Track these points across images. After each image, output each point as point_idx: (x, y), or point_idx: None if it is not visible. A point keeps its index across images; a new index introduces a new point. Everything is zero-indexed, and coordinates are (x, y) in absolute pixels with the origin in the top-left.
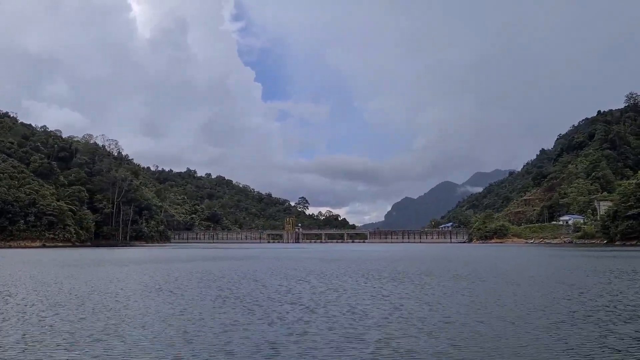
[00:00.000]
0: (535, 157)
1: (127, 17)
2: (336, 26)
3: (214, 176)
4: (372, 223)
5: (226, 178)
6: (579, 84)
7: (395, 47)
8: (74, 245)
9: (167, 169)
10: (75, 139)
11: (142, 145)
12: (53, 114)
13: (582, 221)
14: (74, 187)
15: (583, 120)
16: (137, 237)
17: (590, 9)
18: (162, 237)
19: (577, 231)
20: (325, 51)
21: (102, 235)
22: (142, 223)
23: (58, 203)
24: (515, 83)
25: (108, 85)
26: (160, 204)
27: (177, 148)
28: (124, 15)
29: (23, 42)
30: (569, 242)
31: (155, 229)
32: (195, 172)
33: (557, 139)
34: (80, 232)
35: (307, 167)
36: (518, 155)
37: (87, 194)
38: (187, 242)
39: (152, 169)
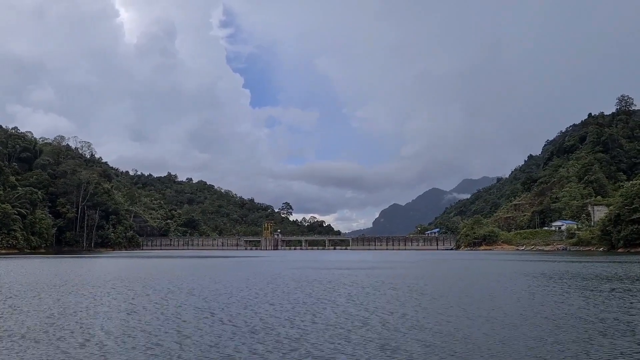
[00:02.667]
0: (523, 162)
1: (114, 22)
2: (325, 33)
3: (195, 181)
4: (361, 229)
5: (208, 183)
6: (565, 92)
7: (383, 55)
8: (20, 253)
9: (146, 174)
10: (47, 141)
11: (129, 151)
12: (39, 119)
13: (576, 227)
14: (25, 188)
15: (571, 126)
16: (103, 244)
17: (577, 17)
18: (130, 244)
19: (571, 237)
20: (314, 58)
21: (65, 241)
22: (108, 228)
23: (2, 206)
24: (502, 91)
25: (95, 91)
26: (129, 208)
27: (165, 154)
28: (111, 21)
29: (9, 47)
30: (562, 249)
31: (124, 234)
32: (175, 176)
33: (545, 145)
34: (32, 238)
35: (296, 174)
36: (505, 162)
37: (40, 196)
38: (160, 249)
39: (132, 173)
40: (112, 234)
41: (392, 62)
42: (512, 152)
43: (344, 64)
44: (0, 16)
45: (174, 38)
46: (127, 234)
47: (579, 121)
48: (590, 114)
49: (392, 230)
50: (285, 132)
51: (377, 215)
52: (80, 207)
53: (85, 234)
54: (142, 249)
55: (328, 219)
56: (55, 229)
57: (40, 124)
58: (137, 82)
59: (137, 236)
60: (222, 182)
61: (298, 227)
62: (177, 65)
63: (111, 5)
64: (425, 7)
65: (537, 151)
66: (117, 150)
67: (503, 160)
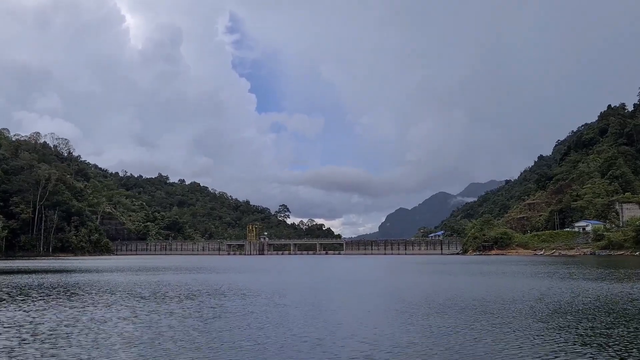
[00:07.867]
0: (533, 163)
1: (120, 28)
2: (330, 40)
3: (187, 182)
4: (367, 234)
5: (202, 184)
6: (569, 93)
7: (387, 61)
8: None
9: (136, 175)
10: (22, 138)
11: (133, 157)
12: (45, 125)
13: (603, 227)
14: None
15: (583, 125)
16: (63, 249)
17: (578, 20)
18: (97, 248)
19: (599, 239)
20: (319, 64)
21: (19, 245)
22: (70, 231)
23: None
24: (505, 96)
25: (100, 97)
26: (99, 208)
27: (169, 160)
28: (116, 27)
29: (14, 55)
30: (591, 254)
31: (87, 238)
32: (167, 177)
33: (556, 145)
34: None
35: (301, 179)
36: (512, 166)
37: None
38: (136, 254)
39: (121, 174)
40: (74, 237)
41: (395, 68)
42: (517, 155)
43: (349, 71)
44: (5, 25)
45: (180, 44)
46: (92, 237)
47: (593, 119)
48: (609, 106)
49: (398, 234)
50: (290, 138)
51: (383, 220)
52: (37, 207)
53: (42, 237)
54: (116, 254)
55: (334, 224)
56: (7, 231)
57: (46, 129)
58: (142, 88)
59: (107, 240)
60: (226, 187)
61: (295, 231)
62: (183, 71)
63: (117, 11)
64: (428, 14)
65: (547, 152)
66: (121, 156)
67: (509, 164)
